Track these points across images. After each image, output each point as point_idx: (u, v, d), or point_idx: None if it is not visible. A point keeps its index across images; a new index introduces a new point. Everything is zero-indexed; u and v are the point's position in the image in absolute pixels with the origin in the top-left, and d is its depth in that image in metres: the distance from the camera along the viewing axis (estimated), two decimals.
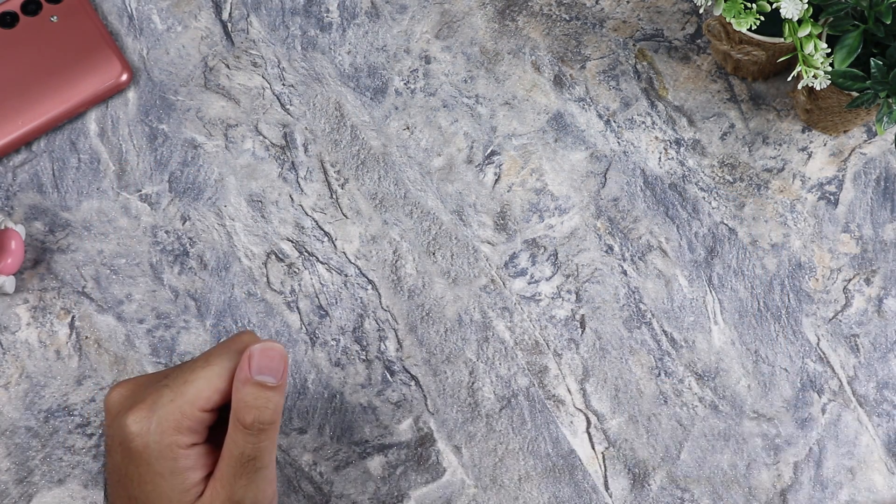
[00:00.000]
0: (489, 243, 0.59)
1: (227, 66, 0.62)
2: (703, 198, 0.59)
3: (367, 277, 0.58)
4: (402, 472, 0.55)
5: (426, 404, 0.56)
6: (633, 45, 0.62)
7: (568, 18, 0.63)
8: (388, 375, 0.57)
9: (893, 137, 0.59)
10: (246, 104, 0.61)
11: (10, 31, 0.61)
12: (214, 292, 0.58)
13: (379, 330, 0.57)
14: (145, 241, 0.59)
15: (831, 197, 0.59)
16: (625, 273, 0.58)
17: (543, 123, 0.61)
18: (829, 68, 0.51)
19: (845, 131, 0.59)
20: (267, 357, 0.40)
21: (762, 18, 0.52)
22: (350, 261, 0.58)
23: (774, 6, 0.51)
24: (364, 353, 0.57)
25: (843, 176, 0.59)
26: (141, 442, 0.40)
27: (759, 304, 0.57)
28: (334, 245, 0.59)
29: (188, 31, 0.63)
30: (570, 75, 0.62)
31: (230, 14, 0.63)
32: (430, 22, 0.63)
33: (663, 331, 0.57)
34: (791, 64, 0.58)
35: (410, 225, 0.59)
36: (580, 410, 0.56)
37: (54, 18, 0.61)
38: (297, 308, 0.58)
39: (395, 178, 0.60)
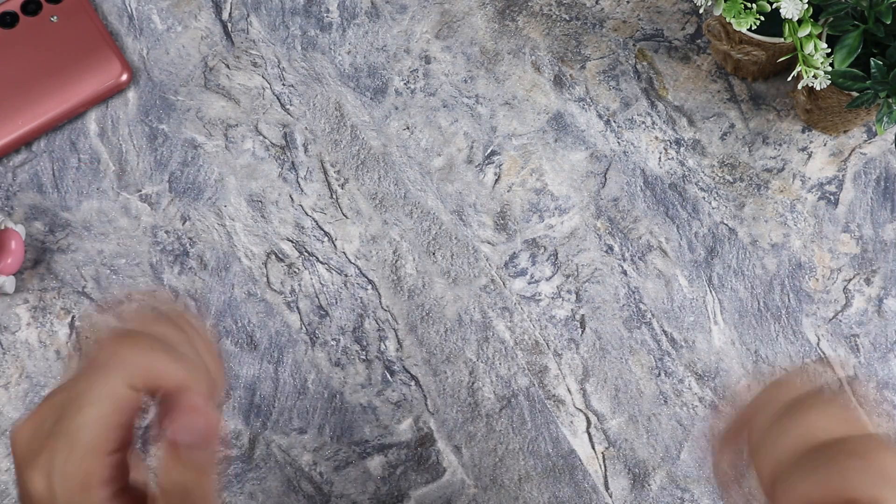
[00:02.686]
0: (489, 243, 0.59)
1: (227, 66, 0.62)
2: (703, 198, 0.59)
3: (367, 277, 0.58)
4: (402, 472, 0.55)
5: (426, 404, 0.56)
6: (633, 45, 0.62)
7: (568, 18, 0.63)
8: (388, 375, 0.57)
9: (893, 137, 0.59)
10: (246, 104, 0.61)
11: (10, 31, 0.61)
12: (214, 292, 0.58)
13: (379, 330, 0.57)
14: (145, 241, 0.59)
15: (831, 197, 0.59)
16: (625, 273, 0.58)
17: (543, 123, 0.61)
18: (829, 68, 0.51)
19: (845, 131, 0.59)
20: (185, 416, 0.33)
21: (762, 18, 0.52)
22: (350, 261, 0.58)
23: (774, 6, 0.51)
24: (364, 353, 0.57)
25: (843, 176, 0.59)
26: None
27: (759, 304, 0.57)
28: (334, 245, 0.59)
29: (188, 31, 0.63)
30: (570, 75, 0.62)
31: (230, 14, 0.63)
32: (430, 22, 0.63)
33: (663, 331, 0.57)
34: (791, 64, 0.58)
35: (410, 225, 0.59)
36: (580, 410, 0.56)
37: (54, 18, 0.61)
38: (297, 308, 0.58)
39: (395, 178, 0.60)
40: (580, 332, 0.57)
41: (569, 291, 0.58)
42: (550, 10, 0.63)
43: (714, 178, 0.59)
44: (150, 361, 0.33)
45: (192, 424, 0.32)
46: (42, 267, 0.58)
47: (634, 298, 0.57)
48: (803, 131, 0.60)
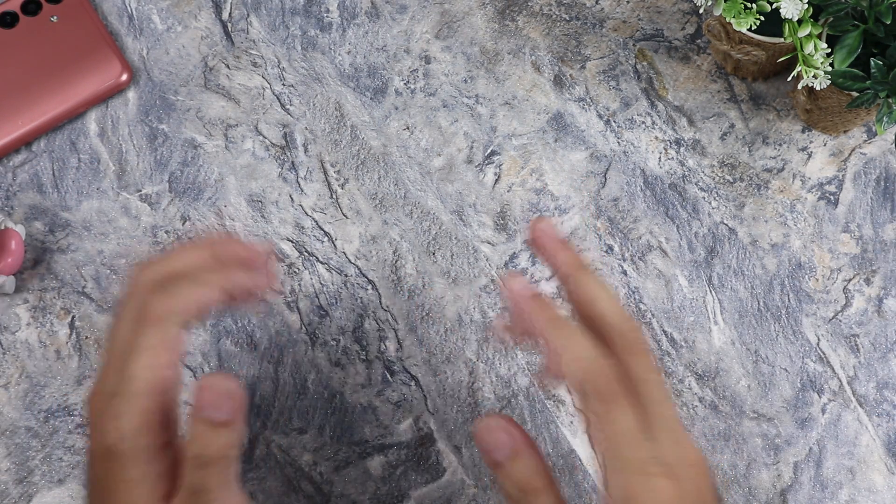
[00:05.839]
0: (489, 243, 0.59)
1: (227, 66, 0.62)
2: (703, 198, 0.59)
3: (367, 277, 0.58)
4: (402, 472, 0.55)
5: (426, 404, 0.56)
6: (633, 45, 0.62)
7: (568, 18, 0.63)
8: (388, 375, 0.57)
9: (893, 137, 0.59)
10: (246, 104, 0.61)
11: (10, 31, 0.61)
12: None
13: (379, 330, 0.57)
14: (145, 242, 0.59)
15: (831, 197, 0.59)
16: (625, 273, 0.58)
17: (543, 123, 0.61)
18: (829, 68, 0.51)
19: (845, 131, 0.59)
20: (214, 393, 0.38)
21: (762, 18, 0.52)
22: (350, 261, 0.58)
23: (774, 6, 0.51)
24: (364, 353, 0.57)
25: (843, 176, 0.59)
26: (117, 448, 0.37)
27: (759, 304, 0.57)
28: (334, 245, 0.59)
29: (188, 31, 0.63)
30: (570, 75, 0.62)
31: (230, 14, 0.63)
32: (430, 22, 0.63)
33: (663, 331, 0.57)
34: (791, 64, 0.58)
35: (410, 225, 0.59)
36: (580, 410, 0.56)
37: (54, 18, 0.61)
38: (297, 308, 0.58)
39: (395, 178, 0.60)
40: None
41: None
42: (550, 10, 0.63)
43: (714, 178, 0.59)
44: (194, 297, 0.39)
45: (215, 396, 0.37)
46: (42, 267, 0.58)
47: (634, 298, 0.57)
48: (803, 131, 0.60)
